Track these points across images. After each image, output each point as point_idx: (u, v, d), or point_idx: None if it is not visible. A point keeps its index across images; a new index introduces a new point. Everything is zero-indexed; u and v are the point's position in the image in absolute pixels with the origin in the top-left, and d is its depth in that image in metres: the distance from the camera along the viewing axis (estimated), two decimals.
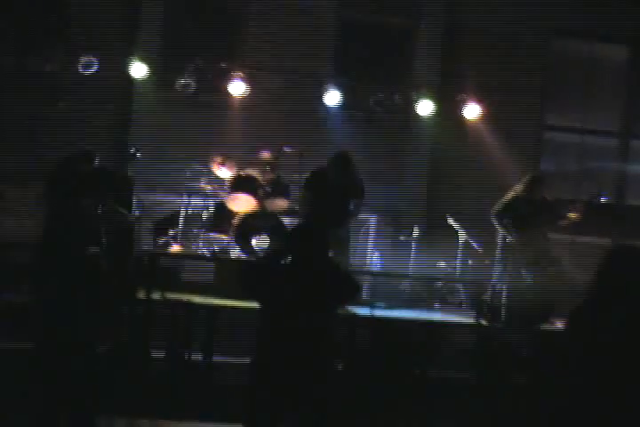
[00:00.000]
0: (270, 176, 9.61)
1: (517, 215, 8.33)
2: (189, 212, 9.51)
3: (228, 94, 10.27)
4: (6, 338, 6.94)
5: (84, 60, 9.70)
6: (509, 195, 8.50)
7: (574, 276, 8.37)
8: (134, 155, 8.83)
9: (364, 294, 8.64)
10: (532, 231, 8.34)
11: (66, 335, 5.22)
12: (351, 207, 8.81)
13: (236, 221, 9.33)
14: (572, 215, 8.39)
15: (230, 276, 8.30)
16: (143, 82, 10.06)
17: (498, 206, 8.44)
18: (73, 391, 5.26)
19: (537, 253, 8.33)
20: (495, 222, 8.42)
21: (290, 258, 4.93)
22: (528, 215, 8.30)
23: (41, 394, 5.27)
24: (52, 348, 5.27)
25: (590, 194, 8.74)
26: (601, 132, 11.81)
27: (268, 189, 9.48)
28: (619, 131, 11.82)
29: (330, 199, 8.59)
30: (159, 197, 9.67)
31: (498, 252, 8.48)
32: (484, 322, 8.12)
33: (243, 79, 10.17)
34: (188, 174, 9.55)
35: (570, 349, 3.88)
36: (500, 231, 8.44)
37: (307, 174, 9.00)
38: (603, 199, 8.65)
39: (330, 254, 5.15)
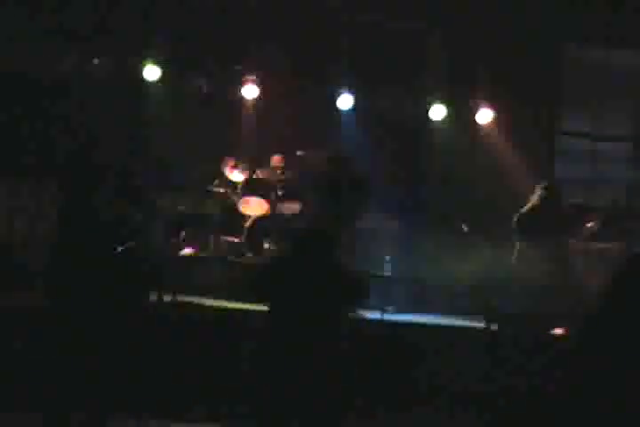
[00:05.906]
0: (282, 179, 9.63)
1: (536, 225, 8.29)
2: (202, 214, 9.54)
3: (241, 97, 10.31)
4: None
5: (97, 61, 9.77)
6: (527, 205, 8.45)
7: (587, 282, 8.34)
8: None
9: (374, 298, 8.63)
10: (551, 240, 8.31)
11: (86, 336, 5.24)
12: (357, 207, 8.72)
13: (248, 224, 9.36)
14: (591, 225, 8.43)
15: (241, 279, 8.34)
16: (157, 84, 10.09)
17: (517, 217, 8.39)
18: (87, 392, 5.28)
19: (554, 260, 8.30)
20: (515, 233, 8.39)
21: (298, 261, 4.94)
22: (546, 225, 8.27)
23: (55, 395, 5.28)
24: (70, 349, 5.28)
25: (608, 201, 8.72)
26: (614, 137, 11.76)
27: (280, 193, 9.51)
28: (632, 136, 11.77)
29: (335, 200, 8.55)
30: (171, 199, 9.68)
31: (514, 259, 8.40)
32: (493, 327, 8.10)
33: (256, 82, 10.20)
34: (200, 177, 9.58)
35: (583, 354, 3.87)
36: (520, 241, 8.39)
37: (314, 177, 9.00)
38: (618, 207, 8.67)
39: (337, 256, 5.15)
